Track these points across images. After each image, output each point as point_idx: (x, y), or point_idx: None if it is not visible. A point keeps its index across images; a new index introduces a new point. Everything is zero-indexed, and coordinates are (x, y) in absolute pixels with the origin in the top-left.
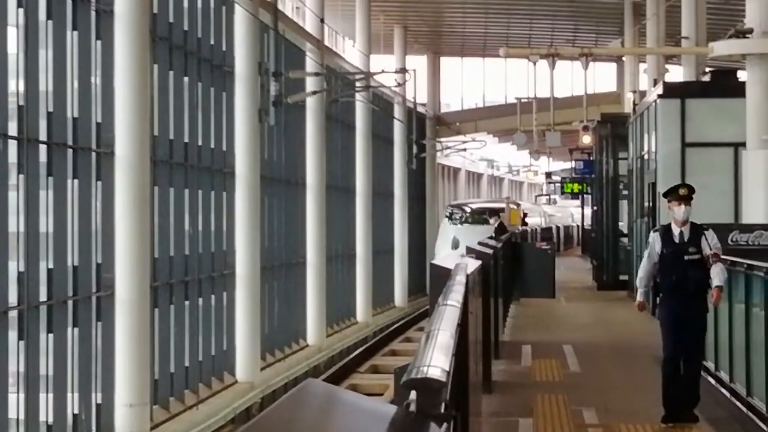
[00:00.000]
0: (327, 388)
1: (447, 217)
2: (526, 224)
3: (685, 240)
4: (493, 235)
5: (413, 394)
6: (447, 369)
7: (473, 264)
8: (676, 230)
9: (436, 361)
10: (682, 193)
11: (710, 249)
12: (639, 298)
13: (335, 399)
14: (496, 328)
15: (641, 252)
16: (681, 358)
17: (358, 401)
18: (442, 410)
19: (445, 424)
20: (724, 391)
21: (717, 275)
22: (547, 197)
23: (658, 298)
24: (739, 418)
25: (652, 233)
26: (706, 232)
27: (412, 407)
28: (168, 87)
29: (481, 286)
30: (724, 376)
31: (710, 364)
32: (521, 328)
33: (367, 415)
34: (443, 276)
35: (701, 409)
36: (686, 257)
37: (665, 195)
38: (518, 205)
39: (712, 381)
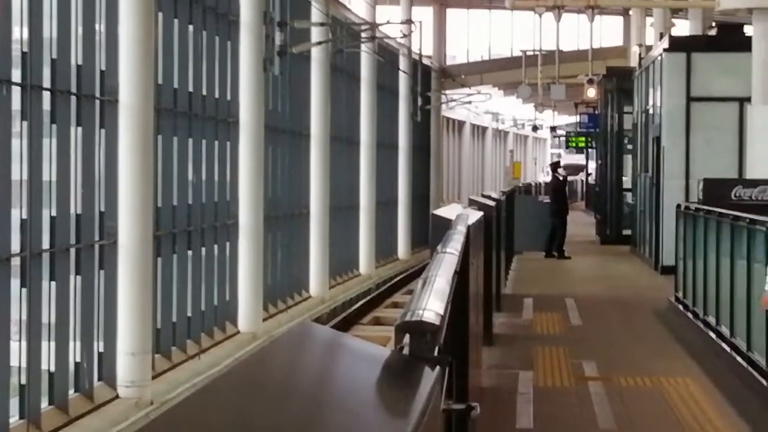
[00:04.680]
0: (321, 330)
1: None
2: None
3: None
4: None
5: (407, 338)
6: (441, 313)
7: (475, 215)
8: None
9: (431, 305)
10: None
11: None
12: None
13: (329, 341)
14: (497, 281)
15: (645, 207)
16: None
17: (352, 344)
18: (436, 354)
19: (438, 368)
20: (724, 345)
21: None
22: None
23: None
24: (738, 372)
25: None
26: None
27: (406, 351)
28: (172, 35)
29: (483, 237)
30: (724, 330)
31: (711, 319)
32: (523, 281)
33: (361, 357)
34: (444, 226)
35: (701, 362)
36: None
37: None
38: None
39: (713, 335)
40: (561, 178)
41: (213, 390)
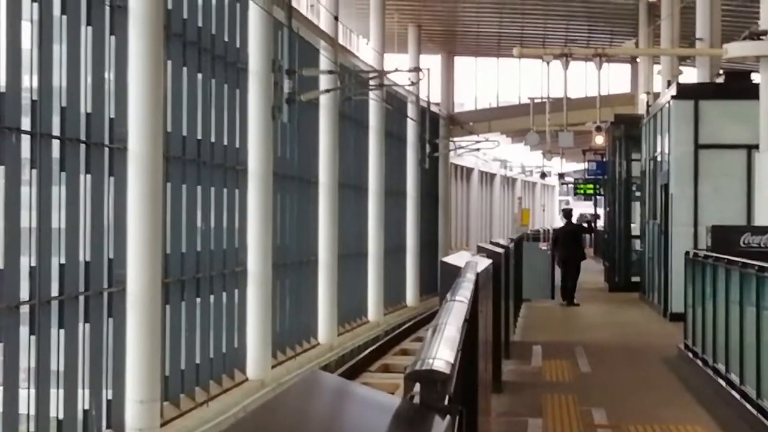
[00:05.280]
0: (331, 378)
1: None
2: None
3: None
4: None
5: (417, 387)
6: (452, 362)
7: (483, 262)
8: None
9: (441, 353)
10: None
11: None
12: None
13: (339, 390)
14: (506, 328)
15: (653, 254)
16: None
17: (362, 392)
18: (446, 403)
19: (449, 417)
20: (734, 393)
21: None
22: None
23: None
24: (748, 420)
25: None
26: None
27: (416, 399)
28: (181, 83)
29: (492, 284)
30: (734, 378)
31: (721, 366)
32: (532, 329)
33: (371, 405)
34: (453, 274)
35: (710, 410)
36: None
37: None
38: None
39: (723, 383)
40: (585, 225)
41: None
